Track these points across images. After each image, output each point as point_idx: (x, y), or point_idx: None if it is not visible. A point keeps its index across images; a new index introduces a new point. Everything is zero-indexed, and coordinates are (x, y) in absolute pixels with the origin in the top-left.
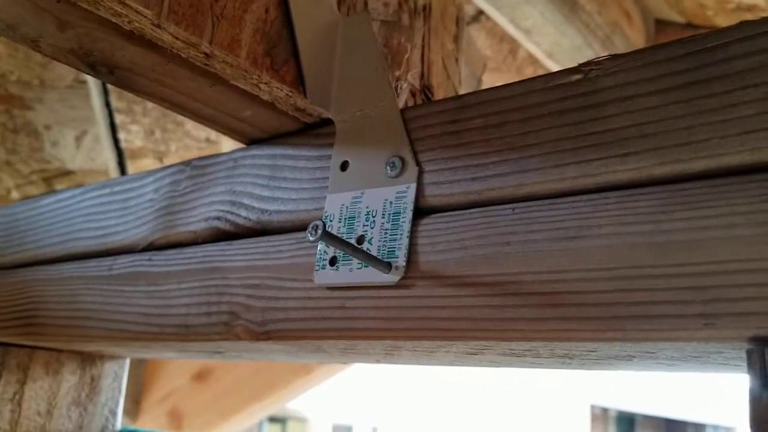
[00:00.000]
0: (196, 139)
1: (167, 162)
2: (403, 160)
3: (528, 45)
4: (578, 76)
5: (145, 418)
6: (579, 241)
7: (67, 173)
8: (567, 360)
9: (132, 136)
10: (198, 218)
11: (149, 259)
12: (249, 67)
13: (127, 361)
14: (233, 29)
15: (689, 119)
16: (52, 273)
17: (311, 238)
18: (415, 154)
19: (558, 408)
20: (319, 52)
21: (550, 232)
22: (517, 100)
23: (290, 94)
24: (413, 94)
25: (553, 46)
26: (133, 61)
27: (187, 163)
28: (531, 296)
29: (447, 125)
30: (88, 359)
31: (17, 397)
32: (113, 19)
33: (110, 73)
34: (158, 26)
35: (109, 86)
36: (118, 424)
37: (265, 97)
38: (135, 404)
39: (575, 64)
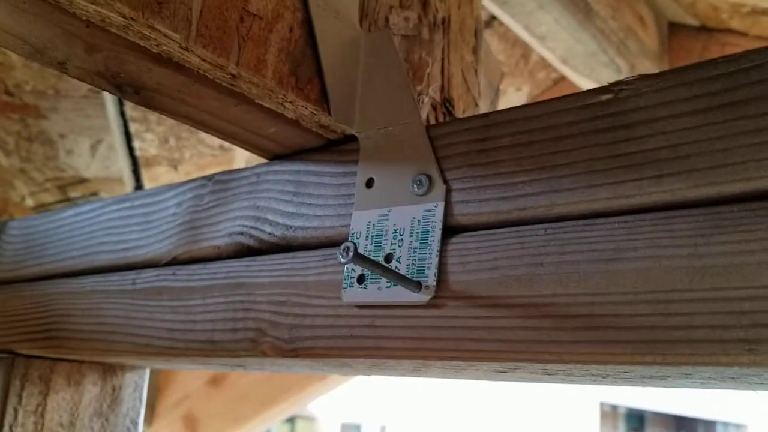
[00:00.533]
0: (210, 146)
1: (181, 169)
2: (430, 178)
3: (542, 51)
4: (608, 96)
5: (159, 423)
6: (614, 263)
7: (82, 181)
8: (600, 378)
9: (147, 144)
10: (221, 233)
11: (173, 274)
12: (275, 86)
13: (147, 371)
14: (259, 50)
15: (725, 141)
16: (73, 286)
17: (343, 260)
18: (442, 172)
19: (567, 405)
20: (342, 69)
21: (584, 254)
22: (546, 119)
23: (315, 112)
24: (434, 108)
25: (567, 52)
26: (160, 82)
27: (209, 178)
28: (566, 319)
29: (474, 143)
30: (109, 370)
31: (40, 408)
32: (141, 43)
33: (136, 93)
34: (186, 49)
35: None
36: None
37: (290, 115)
38: (150, 409)
39: (589, 70)
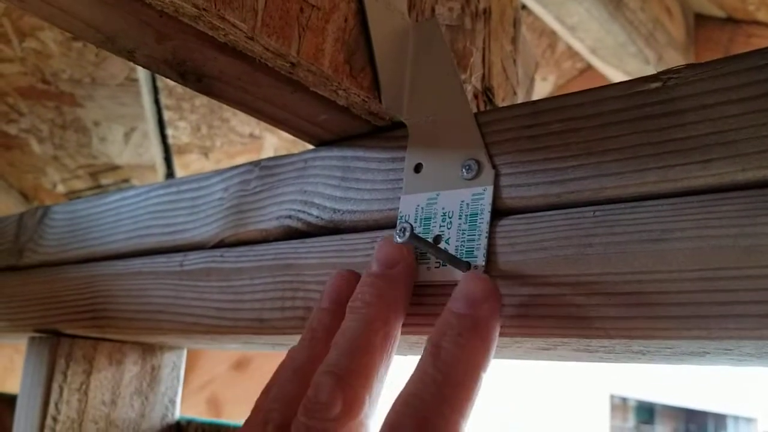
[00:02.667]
0: (241, 134)
1: (212, 157)
2: (478, 162)
3: (571, 41)
4: (657, 84)
5: (184, 406)
6: (662, 243)
7: (114, 168)
8: (639, 356)
9: (179, 132)
10: (269, 217)
11: (221, 256)
12: (331, 74)
13: (185, 352)
14: (317, 39)
15: None
16: (119, 268)
17: (399, 240)
18: (490, 157)
19: (578, 397)
20: (392, 58)
21: (632, 235)
22: (594, 106)
23: (366, 99)
24: (476, 96)
25: (596, 42)
26: (223, 70)
27: (255, 164)
28: (614, 296)
29: (522, 129)
30: (148, 350)
31: (84, 387)
32: (210, 33)
33: (198, 80)
34: (251, 38)
35: (159, 84)
36: (177, 413)
37: (342, 103)
38: None
39: (618, 60)
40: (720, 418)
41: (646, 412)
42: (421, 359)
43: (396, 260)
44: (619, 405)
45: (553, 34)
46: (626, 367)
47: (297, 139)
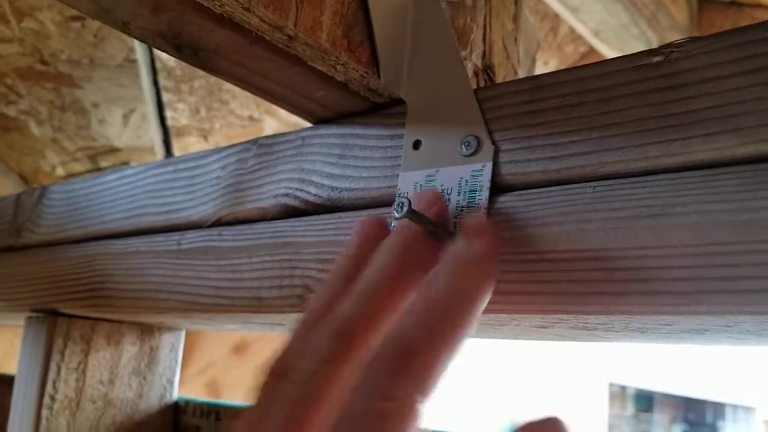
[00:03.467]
0: (240, 117)
1: (211, 140)
2: (478, 138)
3: (574, 23)
4: (659, 58)
5: (183, 390)
6: (662, 218)
7: (113, 150)
8: (638, 334)
9: (178, 114)
10: (266, 195)
11: (218, 234)
12: (329, 48)
13: (183, 333)
14: (315, 12)
15: None
16: (117, 247)
17: (397, 215)
18: (490, 133)
19: (576, 385)
20: (391, 33)
21: (632, 210)
22: (595, 80)
23: (364, 74)
24: (476, 74)
25: (599, 24)
26: (219, 43)
27: (253, 142)
28: (613, 272)
29: (523, 105)
30: (147, 331)
31: (82, 366)
32: (206, 3)
33: (194, 54)
34: (248, 9)
35: (158, 65)
36: (175, 394)
37: (340, 78)
38: None
39: (621, 43)
40: (719, 407)
41: (645, 400)
42: (414, 294)
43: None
44: (618, 393)
45: (555, 18)
46: (625, 354)
47: (297, 122)
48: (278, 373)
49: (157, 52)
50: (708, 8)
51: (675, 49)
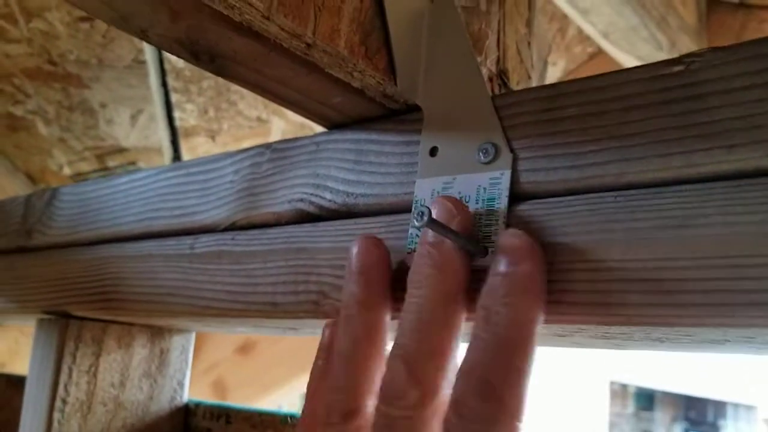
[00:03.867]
0: (248, 118)
1: (219, 140)
2: (496, 146)
3: (583, 24)
4: (679, 68)
5: (189, 389)
6: (685, 229)
7: (121, 150)
8: (658, 343)
9: (186, 115)
10: (281, 200)
11: (232, 239)
12: (347, 55)
13: (193, 335)
14: (333, 19)
15: None
16: (129, 250)
17: (417, 224)
18: (508, 140)
19: (577, 383)
20: (408, 40)
21: (655, 221)
22: (615, 89)
23: (381, 81)
24: (490, 80)
25: (608, 26)
26: (237, 50)
27: (267, 146)
28: (635, 282)
29: (541, 113)
30: (157, 333)
31: (93, 368)
32: (225, 12)
33: (211, 61)
34: (267, 18)
35: (167, 66)
36: (186, 396)
37: (356, 85)
38: None
39: (630, 45)
40: (720, 406)
41: (646, 398)
42: (473, 328)
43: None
44: (619, 391)
45: (563, 18)
46: (627, 353)
47: (305, 123)
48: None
49: (166, 53)
50: (717, 10)
51: (696, 59)
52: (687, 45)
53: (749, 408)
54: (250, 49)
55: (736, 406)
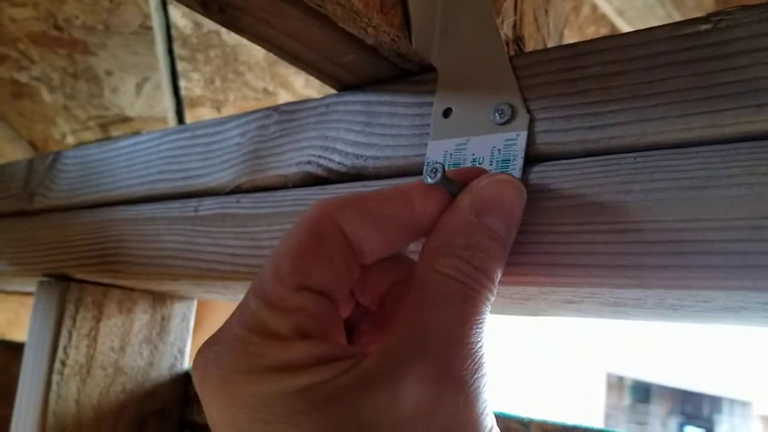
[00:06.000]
0: (254, 89)
1: (224, 111)
2: (512, 107)
3: (599, 2)
4: (707, 26)
5: (189, 362)
6: (707, 191)
7: (125, 120)
8: (670, 311)
9: (192, 84)
10: (288, 163)
11: (237, 201)
12: (361, 9)
13: (195, 303)
14: None
15: None
16: (132, 213)
17: (430, 181)
18: (525, 101)
19: (574, 374)
20: None
21: (675, 182)
22: (639, 48)
23: (396, 38)
24: (506, 44)
25: (624, 4)
26: (248, 0)
27: (274, 108)
28: (653, 245)
29: (560, 73)
30: (158, 299)
31: (93, 332)
32: None
33: (220, 10)
34: None
35: (174, 33)
36: (186, 364)
37: (370, 42)
38: None
39: (645, 24)
40: (715, 401)
41: (642, 391)
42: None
43: None
44: (615, 383)
45: None
46: (624, 345)
47: (311, 96)
48: None
49: (173, 18)
50: None
51: (724, 17)
52: None
53: (744, 404)
54: None
55: (732, 401)
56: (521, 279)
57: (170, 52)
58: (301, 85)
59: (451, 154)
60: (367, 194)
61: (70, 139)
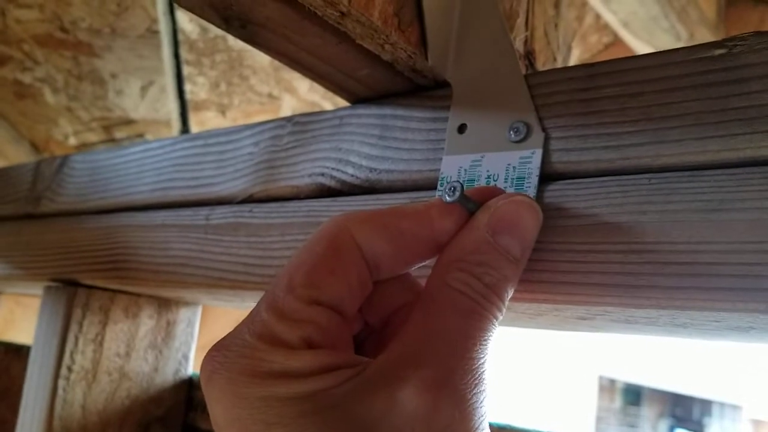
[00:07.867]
0: (259, 94)
1: (229, 115)
2: (527, 125)
3: (604, 12)
4: (722, 51)
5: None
6: (721, 213)
7: (129, 122)
8: (681, 329)
9: (197, 88)
10: (301, 174)
11: (250, 211)
12: (380, 26)
13: (200, 308)
14: None
15: None
16: (141, 219)
17: (449, 199)
18: (540, 119)
19: (566, 377)
20: (440, 13)
21: (690, 204)
22: (654, 71)
23: (412, 55)
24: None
25: (629, 15)
26: (270, 16)
27: (288, 119)
28: (667, 265)
29: (576, 93)
30: (164, 305)
31: (99, 337)
32: None
33: (242, 27)
34: None
35: (181, 37)
36: (190, 369)
37: (386, 58)
38: None
39: (649, 35)
40: (706, 404)
41: (634, 394)
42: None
43: None
44: (607, 386)
45: (582, 6)
46: (616, 348)
47: (315, 101)
48: None
49: (180, 23)
50: (736, 4)
51: (738, 42)
52: (706, 37)
53: (735, 408)
54: (283, 16)
55: (722, 405)
56: (536, 297)
57: (176, 56)
58: (306, 90)
59: (465, 170)
60: (386, 210)
61: (73, 140)
